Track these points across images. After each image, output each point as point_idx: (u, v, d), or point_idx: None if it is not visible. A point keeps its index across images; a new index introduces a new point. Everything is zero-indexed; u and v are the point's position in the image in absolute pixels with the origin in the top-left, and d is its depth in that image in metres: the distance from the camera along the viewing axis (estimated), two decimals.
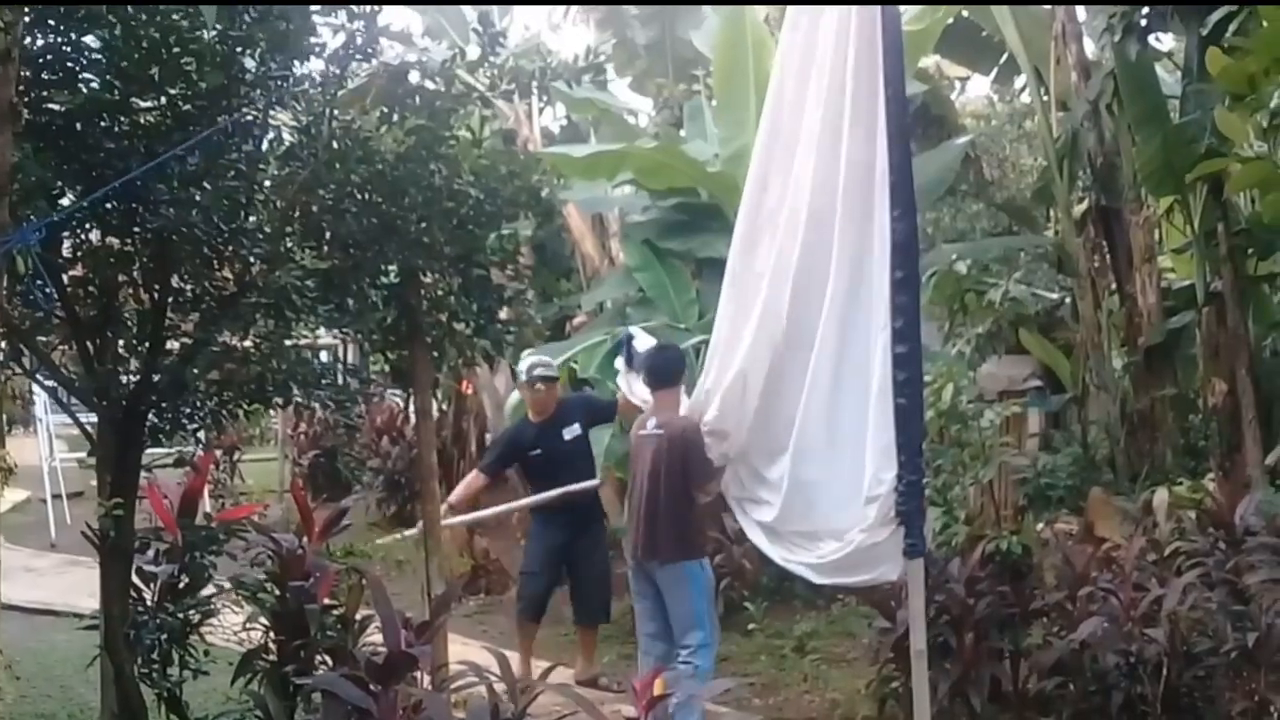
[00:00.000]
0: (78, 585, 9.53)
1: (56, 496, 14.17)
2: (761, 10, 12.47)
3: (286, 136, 5.43)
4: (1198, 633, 6.05)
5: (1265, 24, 7.15)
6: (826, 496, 5.48)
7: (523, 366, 8.25)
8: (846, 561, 5.36)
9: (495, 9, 13.83)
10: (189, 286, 5.28)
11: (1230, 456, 9.20)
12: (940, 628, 6.29)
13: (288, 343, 5.48)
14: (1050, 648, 6.40)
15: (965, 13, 11.83)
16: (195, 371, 5.20)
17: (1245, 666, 5.72)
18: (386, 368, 8.68)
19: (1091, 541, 7.24)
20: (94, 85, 4.75)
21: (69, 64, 4.68)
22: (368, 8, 5.21)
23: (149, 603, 5.67)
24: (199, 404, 5.47)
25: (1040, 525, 8.02)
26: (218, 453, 13.72)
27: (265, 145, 5.33)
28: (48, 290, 4.67)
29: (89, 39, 4.69)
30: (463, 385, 13.80)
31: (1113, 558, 6.62)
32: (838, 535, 5.34)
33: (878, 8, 5.15)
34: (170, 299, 5.27)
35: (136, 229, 4.91)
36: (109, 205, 4.71)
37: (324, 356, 11.27)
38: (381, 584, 4.92)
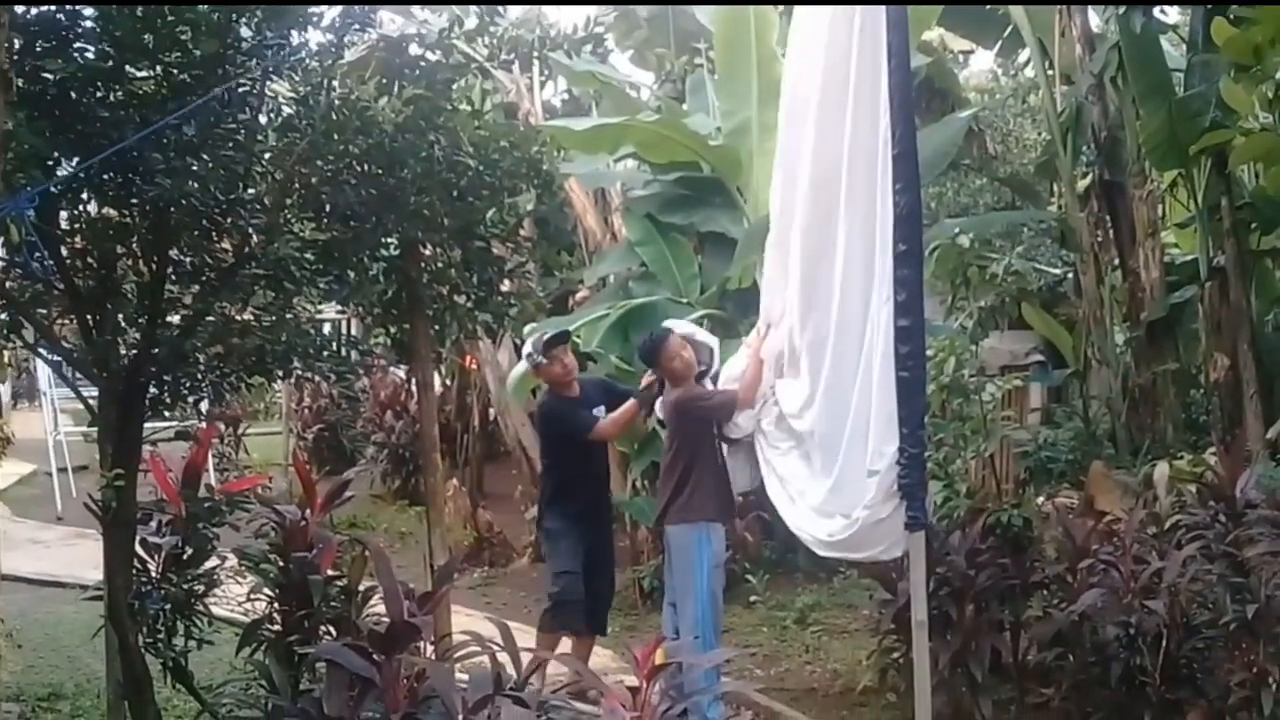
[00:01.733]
0: (83, 557, 9.60)
1: (62, 470, 14.27)
2: None
3: (284, 107, 5.41)
4: (1197, 605, 6.05)
5: None
6: (838, 471, 5.57)
7: (530, 345, 7.32)
8: (853, 539, 5.46)
9: None
10: (188, 258, 5.28)
11: (1231, 431, 9.17)
12: (941, 599, 6.30)
13: (288, 315, 5.48)
14: (1050, 619, 6.41)
15: None
16: (196, 344, 5.21)
17: (1244, 638, 5.72)
18: (389, 341, 8.64)
19: (1092, 515, 7.23)
20: (88, 54, 4.71)
21: (63, 32, 4.63)
22: None
23: (153, 573, 5.71)
24: (199, 376, 5.48)
25: (1040, 499, 8.03)
26: (222, 426, 13.82)
27: (264, 117, 5.31)
28: (46, 261, 4.65)
29: (83, 7, 4.65)
30: (466, 360, 13.80)
31: (1113, 531, 6.61)
32: (846, 512, 5.42)
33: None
34: (169, 270, 5.26)
35: (134, 200, 4.88)
36: (106, 175, 4.70)
37: (326, 329, 11.26)
38: (384, 555, 4.95)
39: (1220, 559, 6.02)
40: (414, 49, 6.06)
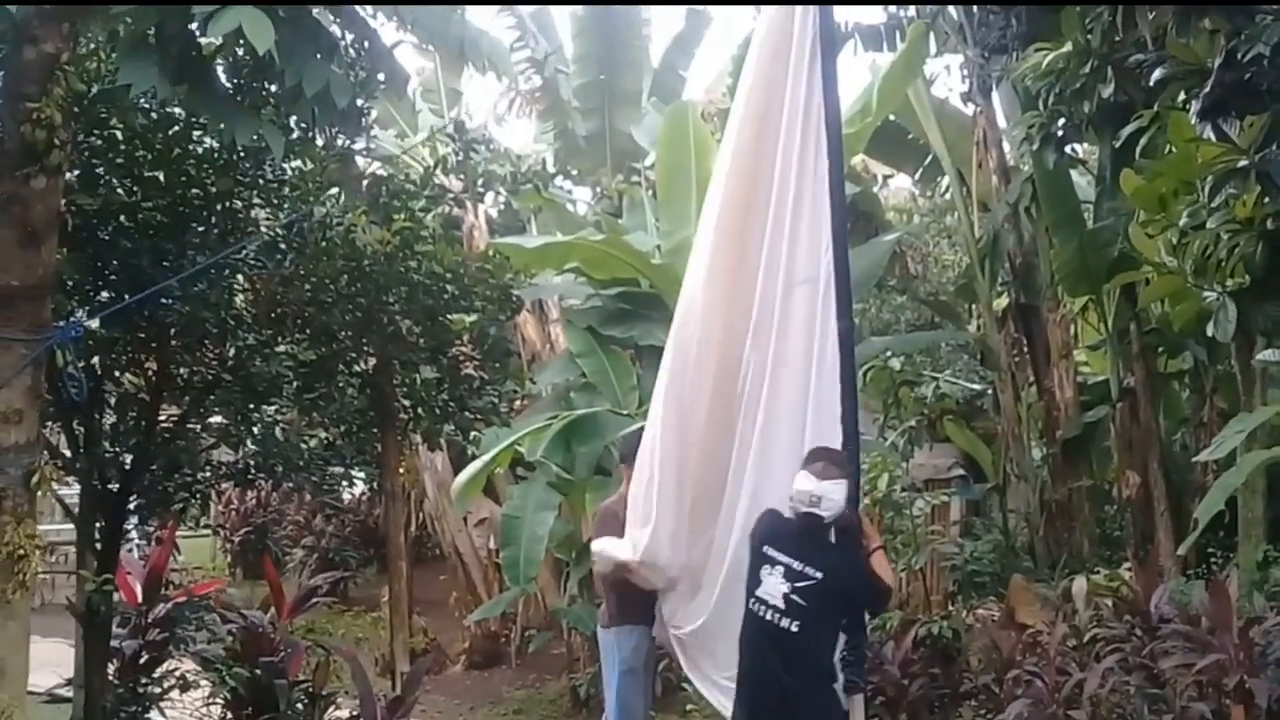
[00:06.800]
0: None
1: None
2: (700, 106, 12.97)
3: (274, 233, 5.65)
4: (1117, 715, 6.36)
5: (1173, 149, 7.66)
6: None
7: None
8: None
9: (466, 117, 14.07)
10: (180, 372, 5.48)
11: (1144, 546, 9.58)
12: (876, 708, 6.52)
13: (278, 429, 5.69)
14: None
15: (892, 116, 12.36)
16: (184, 454, 5.38)
17: None
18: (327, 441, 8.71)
19: (1013, 626, 7.52)
20: (115, 190, 4.94)
21: (94, 167, 4.88)
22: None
23: (111, 676, 5.79)
24: (187, 484, 5.65)
25: (964, 611, 8.31)
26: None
27: (258, 244, 5.55)
28: (81, 380, 4.80)
29: (96, 140, 4.89)
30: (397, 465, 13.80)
31: (1037, 642, 6.93)
32: None
33: (820, 128, 5.55)
34: (163, 387, 5.45)
35: (142, 318, 5.08)
36: (113, 295, 4.90)
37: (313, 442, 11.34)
38: (359, 661, 5.12)
39: (1137, 671, 6.36)
40: (380, 170, 6.37)
